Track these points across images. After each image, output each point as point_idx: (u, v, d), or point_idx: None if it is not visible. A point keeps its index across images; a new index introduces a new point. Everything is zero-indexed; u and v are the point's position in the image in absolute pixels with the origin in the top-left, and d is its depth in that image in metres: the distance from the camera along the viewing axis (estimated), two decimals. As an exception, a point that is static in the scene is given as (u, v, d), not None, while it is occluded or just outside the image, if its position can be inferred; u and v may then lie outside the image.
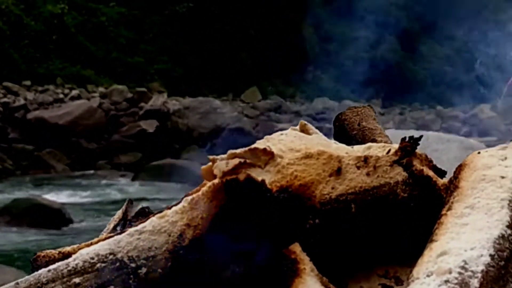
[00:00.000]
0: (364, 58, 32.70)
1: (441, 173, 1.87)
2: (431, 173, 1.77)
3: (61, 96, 23.92)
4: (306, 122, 1.97)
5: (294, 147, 1.78)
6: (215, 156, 1.74)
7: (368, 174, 1.76)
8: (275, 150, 1.76)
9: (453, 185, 1.67)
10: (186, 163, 20.13)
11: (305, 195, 1.71)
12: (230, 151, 1.72)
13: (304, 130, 1.95)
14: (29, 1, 25.13)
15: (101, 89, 24.95)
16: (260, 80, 29.19)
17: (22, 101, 22.86)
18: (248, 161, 1.70)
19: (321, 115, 27.36)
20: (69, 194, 17.33)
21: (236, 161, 1.69)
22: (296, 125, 2.07)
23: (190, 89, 26.54)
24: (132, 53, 27.16)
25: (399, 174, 1.77)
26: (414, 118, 30.02)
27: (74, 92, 24.23)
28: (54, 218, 13.09)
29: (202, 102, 24.94)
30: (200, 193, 1.70)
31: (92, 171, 21.56)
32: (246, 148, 1.74)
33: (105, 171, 21.60)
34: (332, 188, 1.73)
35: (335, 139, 2.41)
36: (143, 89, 25.15)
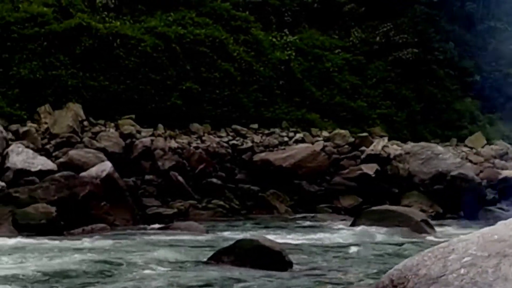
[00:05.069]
0: None
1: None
2: None
3: (286, 139, 24.59)
4: None
5: None
6: None
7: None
8: None
9: None
10: (405, 210, 19.95)
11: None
12: None
13: None
14: (259, 49, 26.24)
15: (324, 133, 25.43)
16: (485, 124, 28.54)
17: (249, 144, 23.77)
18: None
19: (549, 163, 26.20)
20: (290, 236, 17.39)
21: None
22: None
23: (412, 134, 26.43)
24: (355, 98, 27.53)
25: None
26: None
27: (298, 136, 24.84)
28: (275, 260, 13.42)
29: (424, 147, 24.68)
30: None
31: (313, 214, 21.95)
32: None
33: (326, 215, 21.80)
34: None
35: None
36: (365, 133, 25.39)
